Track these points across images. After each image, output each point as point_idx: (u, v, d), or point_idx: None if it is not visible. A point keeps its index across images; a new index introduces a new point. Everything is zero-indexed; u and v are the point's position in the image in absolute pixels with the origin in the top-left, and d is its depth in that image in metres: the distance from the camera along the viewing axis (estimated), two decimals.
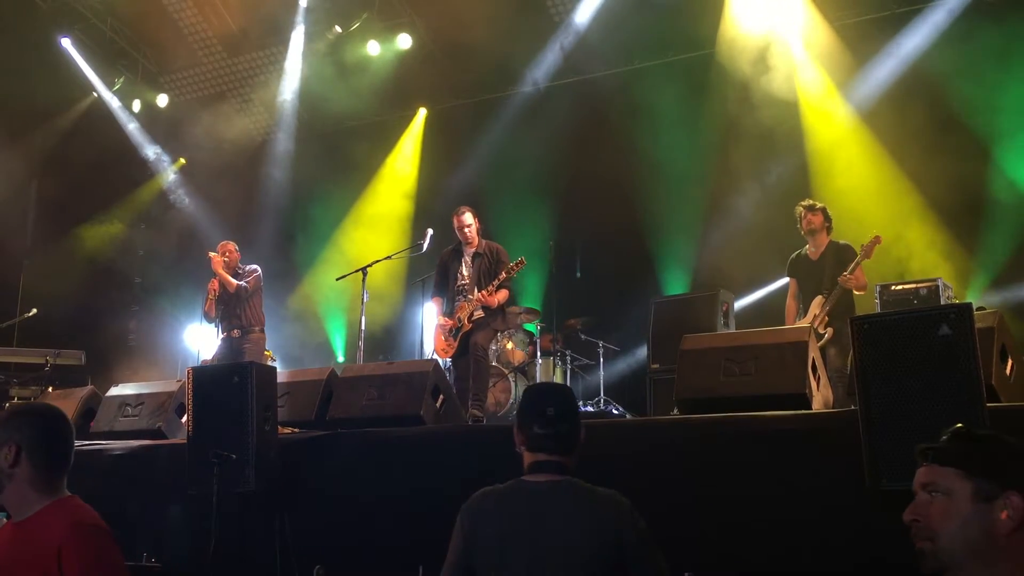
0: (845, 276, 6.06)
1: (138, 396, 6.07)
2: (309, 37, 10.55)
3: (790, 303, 6.50)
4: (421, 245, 7.24)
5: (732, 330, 6.68)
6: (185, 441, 4.92)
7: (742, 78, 8.52)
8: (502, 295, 6.54)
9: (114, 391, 6.28)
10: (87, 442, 5.78)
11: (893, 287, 6.37)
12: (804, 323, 5.98)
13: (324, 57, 10.53)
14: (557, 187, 9.35)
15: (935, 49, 7.98)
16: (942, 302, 6.01)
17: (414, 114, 10.97)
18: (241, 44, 11.02)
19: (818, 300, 6.18)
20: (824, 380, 4.57)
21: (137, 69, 11.49)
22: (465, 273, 6.66)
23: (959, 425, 1.85)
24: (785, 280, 6.69)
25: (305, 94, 10.89)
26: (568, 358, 8.27)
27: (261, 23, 10.67)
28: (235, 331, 7.30)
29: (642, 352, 8.01)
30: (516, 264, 6.52)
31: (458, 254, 6.78)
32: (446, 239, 7.08)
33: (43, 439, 2.29)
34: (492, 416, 7.42)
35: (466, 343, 6.44)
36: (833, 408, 4.55)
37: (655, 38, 9.16)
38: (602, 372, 8.15)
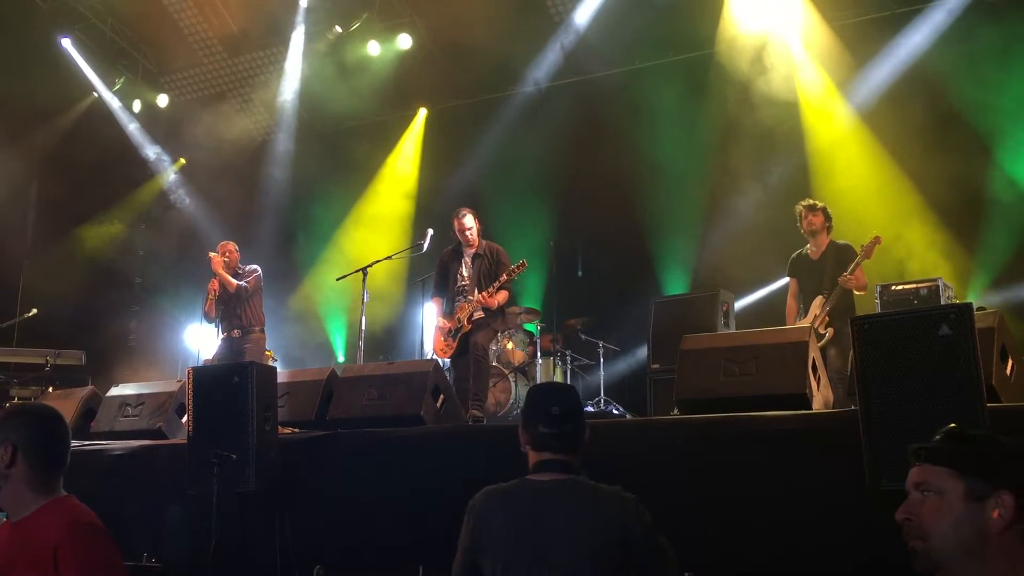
0: (845, 276, 6.06)
1: (138, 396, 6.06)
2: (309, 37, 10.55)
3: (790, 303, 6.51)
4: (421, 245, 7.23)
5: (732, 330, 6.67)
6: (185, 441, 4.91)
7: (742, 78, 8.53)
8: (502, 296, 6.54)
9: (114, 391, 6.27)
10: (87, 442, 5.77)
11: (893, 287, 6.37)
12: (804, 323, 5.98)
13: (324, 57, 10.53)
14: (557, 187, 9.35)
15: (935, 49, 7.98)
16: (942, 302, 6.01)
17: (414, 114, 10.97)
18: (241, 44, 11.02)
19: (818, 300, 6.18)
20: (824, 380, 4.57)
21: (137, 69, 11.49)
22: (465, 274, 6.65)
23: (952, 425, 1.85)
24: (785, 280, 6.69)
25: (305, 94, 10.89)
26: (568, 358, 8.27)
27: (261, 23, 10.67)
28: (235, 331, 7.31)
29: (642, 352, 8.01)
30: (517, 267, 6.52)
31: (458, 255, 6.78)
32: (446, 239, 7.08)
33: (39, 439, 2.29)
34: (492, 416, 7.43)
35: (466, 343, 6.44)
36: (833, 408, 4.54)
37: (655, 38, 9.15)
38: (602, 372, 8.14)
